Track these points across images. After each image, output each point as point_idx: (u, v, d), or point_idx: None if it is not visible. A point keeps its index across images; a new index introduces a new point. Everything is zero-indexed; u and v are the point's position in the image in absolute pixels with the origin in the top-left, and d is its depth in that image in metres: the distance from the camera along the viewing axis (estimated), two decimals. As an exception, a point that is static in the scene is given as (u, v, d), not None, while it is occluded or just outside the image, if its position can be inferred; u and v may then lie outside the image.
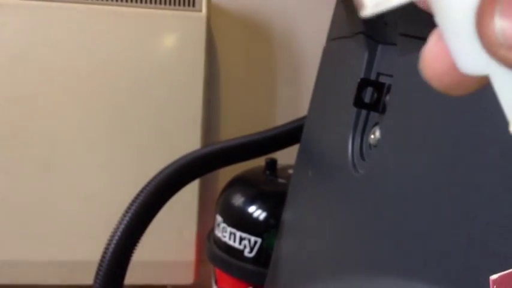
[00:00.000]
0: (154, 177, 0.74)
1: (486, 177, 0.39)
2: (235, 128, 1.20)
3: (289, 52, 1.24)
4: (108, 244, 0.69)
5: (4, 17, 1.04)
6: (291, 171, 0.93)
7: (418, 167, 0.46)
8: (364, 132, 0.55)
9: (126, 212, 0.70)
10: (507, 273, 0.22)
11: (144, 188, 0.72)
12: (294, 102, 1.25)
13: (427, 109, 0.46)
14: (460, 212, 0.41)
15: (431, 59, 0.19)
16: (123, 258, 0.69)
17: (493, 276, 0.23)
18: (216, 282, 0.99)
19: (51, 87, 1.06)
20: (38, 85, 1.06)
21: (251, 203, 0.94)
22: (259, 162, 0.98)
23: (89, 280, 0.71)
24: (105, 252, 0.68)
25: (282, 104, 1.26)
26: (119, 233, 0.68)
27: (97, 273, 0.68)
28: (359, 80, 0.53)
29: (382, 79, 0.53)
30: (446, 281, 0.41)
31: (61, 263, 1.09)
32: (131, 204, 0.71)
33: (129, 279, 0.71)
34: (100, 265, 0.68)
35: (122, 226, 0.69)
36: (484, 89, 0.40)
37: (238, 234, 0.93)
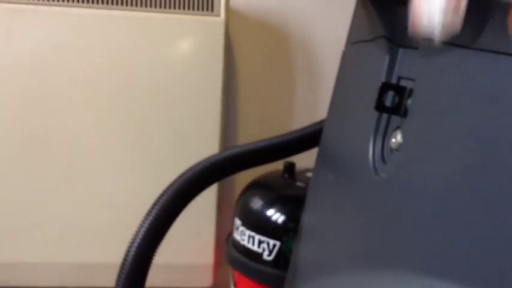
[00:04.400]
0: (175, 181, 0.74)
1: (511, 181, 0.38)
2: (253, 132, 1.21)
3: (308, 56, 1.24)
4: (130, 247, 0.69)
5: (26, 21, 1.06)
6: (309, 174, 0.94)
7: (440, 171, 0.46)
8: (386, 136, 0.55)
9: (147, 215, 0.71)
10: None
11: (164, 192, 0.73)
12: (312, 106, 1.25)
13: (449, 113, 0.46)
14: (484, 215, 0.41)
15: None
16: (144, 261, 0.69)
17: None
18: (235, 285, 1.00)
19: (70, 92, 1.08)
20: (57, 89, 1.07)
21: (270, 207, 0.94)
22: (278, 165, 0.98)
23: (110, 283, 0.72)
24: (126, 255, 0.69)
25: (300, 108, 1.26)
26: (140, 236, 0.69)
27: (119, 276, 0.69)
28: (380, 83, 0.53)
29: (403, 83, 0.53)
30: (469, 284, 0.41)
31: (82, 265, 1.10)
32: (152, 208, 0.71)
33: (147, 282, 0.72)
34: (122, 268, 0.69)
35: (143, 229, 0.69)
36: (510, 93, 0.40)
37: (257, 237, 0.93)
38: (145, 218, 0.70)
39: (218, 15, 1.07)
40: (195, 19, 1.07)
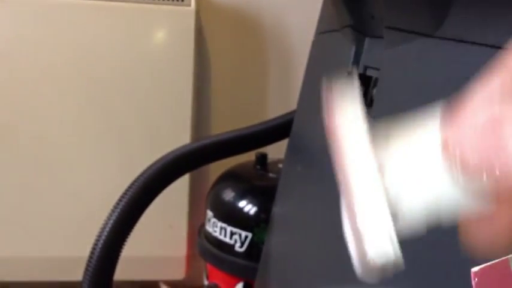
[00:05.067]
0: (143, 173, 0.73)
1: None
2: (225, 122, 1.20)
3: (279, 46, 1.24)
4: (97, 240, 0.68)
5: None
6: (281, 165, 0.93)
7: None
8: (352, 126, 0.55)
9: (115, 207, 0.70)
10: (488, 266, 0.22)
11: (133, 184, 0.72)
12: (284, 96, 1.24)
13: (414, 102, 0.46)
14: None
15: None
16: (112, 254, 0.68)
17: (474, 269, 0.23)
18: (207, 277, 0.99)
19: (40, 84, 1.06)
20: (28, 82, 1.06)
21: (241, 198, 0.94)
22: (250, 156, 0.98)
23: (78, 276, 0.71)
24: (94, 248, 0.68)
25: (272, 98, 1.26)
26: (107, 229, 0.68)
27: (86, 269, 0.68)
28: (346, 73, 0.53)
29: (369, 72, 0.53)
30: (438, 271, 0.41)
31: (50, 259, 1.08)
32: (120, 200, 0.71)
33: (120, 275, 0.71)
34: (89, 261, 0.68)
35: (111, 222, 0.69)
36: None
37: (229, 229, 0.93)
38: (113, 210, 0.69)
39: (189, 4, 1.06)
40: (165, 9, 1.06)
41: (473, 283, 0.23)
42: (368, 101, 0.51)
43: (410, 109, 0.46)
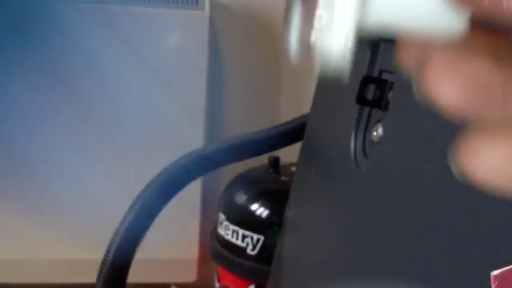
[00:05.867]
0: (157, 176, 0.74)
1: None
2: (238, 126, 1.20)
3: (293, 50, 1.24)
4: (111, 242, 0.69)
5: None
6: (293, 169, 0.93)
7: (420, 165, 0.46)
8: (367, 130, 0.55)
9: (129, 210, 0.70)
10: (508, 269, 0.22)
11: (147, 187, 0.72)
12: (297, 100, 1.24)
13: (430, 106, 0.46)
14: (463, 210, 0.40)
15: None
16: (125, 257, 0.69)
17: (495, 272, 0.23)
18: (219, 280, 0.99)
19: (53, 86, 1.07)
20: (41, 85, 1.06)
21: (254, 201, 0.94)
22: (262, 160, 0.98)
23: (92, 278, 0.71)
24: (108, 251, 0.68)
25: (285, 101, 1.26)
26: (121, 232, 0.68)
27: (100, 272, 0.68)
28: (361, 77, 0.53)
29: (384, 76, 0.53)
30: (448, 279, 0.41)
31: (64, 261, 1.09)
32: (134, 203, 0.71)
33: (132, 278, 0.71)
34: (103, 263, 0.68)
35: (125, 224, 0.69)
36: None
37: (241, 232, 0.93)
38: (127, 213, 0.70)
39: (203, 8, 1.07)
40: (180, 13, 1.06)
41: (492, 286, 0.23)
42: (384, 105, 0.51)
43: (425, 112, 0.46)
